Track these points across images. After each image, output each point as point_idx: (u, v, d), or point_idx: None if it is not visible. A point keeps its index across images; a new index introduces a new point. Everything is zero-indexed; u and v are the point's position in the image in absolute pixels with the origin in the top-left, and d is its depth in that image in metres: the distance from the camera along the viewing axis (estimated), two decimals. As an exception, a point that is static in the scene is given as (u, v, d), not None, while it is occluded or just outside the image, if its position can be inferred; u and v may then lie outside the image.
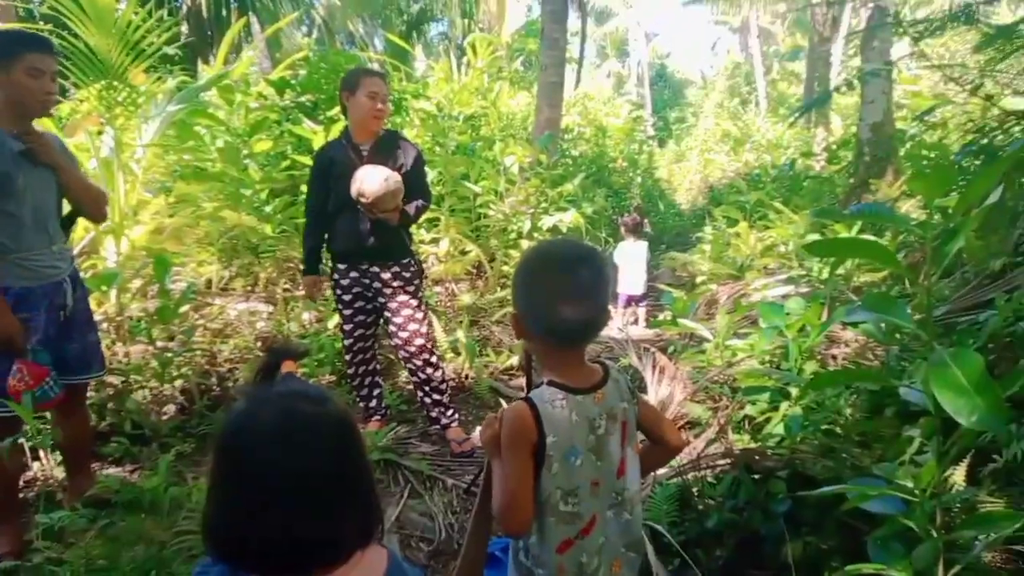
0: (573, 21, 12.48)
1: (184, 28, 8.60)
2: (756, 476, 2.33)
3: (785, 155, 12.05)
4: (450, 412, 3.47)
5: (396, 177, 3.08)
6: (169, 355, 3.54)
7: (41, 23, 6.63)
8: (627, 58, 36.01)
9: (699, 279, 6.34)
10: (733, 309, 4.07)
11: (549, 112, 7.96)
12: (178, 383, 3.57)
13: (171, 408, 3.48)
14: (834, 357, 3.36)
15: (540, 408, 1.30)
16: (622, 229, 6.46)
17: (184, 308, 3.90)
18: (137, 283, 4.16)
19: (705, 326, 3.79)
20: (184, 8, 9.28)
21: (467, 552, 1.52)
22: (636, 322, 6.10)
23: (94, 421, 3.06)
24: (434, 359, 3.40)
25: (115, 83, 4.45)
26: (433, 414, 3.45)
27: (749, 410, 2.97)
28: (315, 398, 0.95)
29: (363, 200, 3.05)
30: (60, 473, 2.84)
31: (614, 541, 1.41)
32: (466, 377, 4.40)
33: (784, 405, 2.73)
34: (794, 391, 2.75)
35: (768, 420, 2.80)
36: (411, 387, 3.65)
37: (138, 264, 4.16)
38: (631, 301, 6.17)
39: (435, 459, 3.28)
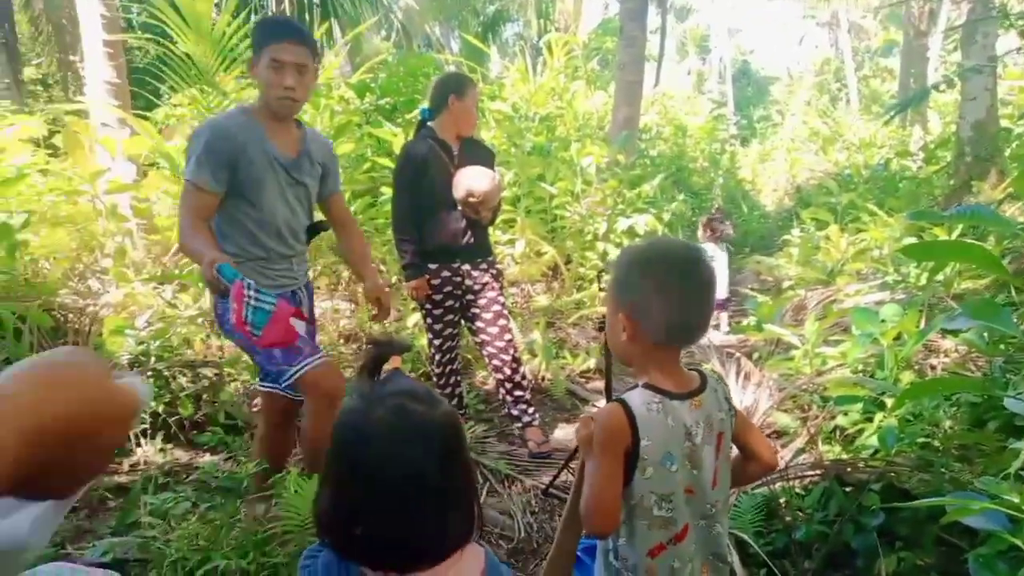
0: (652, 18, 12.32)
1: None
2: (848, 488, 2.24)
3: (879, 155, 11.50)
4: (531, 411, 3.47)
5: (496, 175, 3.20)
6: (259, 350, 3.69)
7: (140, 31, 7.06)
8: (709, 55, 35.21)
9: (785, 284, 6.13)
10: (823, 315, 3.91)
11: (627, 111, 7.87)
12: (267, 377, 3.71)
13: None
14: (932, 367, 3.19)
15: (635, 411, 1.28)
16: (701, 232, 6.32)
17: (274, 305, 4.04)
18: (230, 280, 4.34)
19: (792, 332, 3.66)
20: (270, 14, 9.65)
21: (557, 550, 1.51)
22: (718, 327, 5.95)
23: (190, 411, 3.22)
24: (519, 356, 3.44)
25: (207, 88, 4.68)
26: (515, 412, 3.46)
27: (840, 420, 2.85)
28: (425, 398, 0.98)
29: (472, 199, 3.12)
30: (161, 458, 3.00)
31: (704, 551, 1.38)
32: (542, 379, 4.40)
33: (878, 416, 2.61)
34: (889, 401, 2.62)
35: (861, 431, 2.68)
36: (488, 386, 3.68)
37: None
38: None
39: (513, 458, 3.29)
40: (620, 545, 1.36)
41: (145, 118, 5.03)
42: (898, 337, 2.96)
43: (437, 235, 3.27)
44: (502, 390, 3.47)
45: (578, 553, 1.83)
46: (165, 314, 3.78)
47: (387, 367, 1.11)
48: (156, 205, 4.92)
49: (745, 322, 4.82)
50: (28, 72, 10.57)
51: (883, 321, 3.02)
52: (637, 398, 1.30)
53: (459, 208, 3.23)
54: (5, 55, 8.61)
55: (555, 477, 2.97)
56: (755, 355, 4.23)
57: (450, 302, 3.36)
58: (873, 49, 26.97)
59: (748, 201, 12.62)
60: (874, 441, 2.51)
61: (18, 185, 4.06)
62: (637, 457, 1.28)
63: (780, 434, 3.08)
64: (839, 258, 5.90)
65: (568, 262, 6.06)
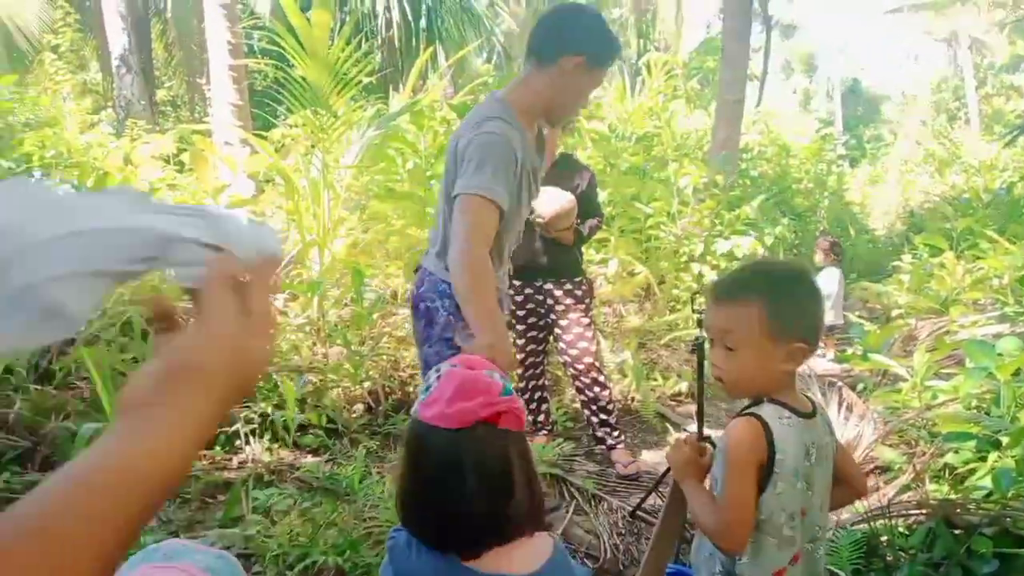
0: (756, 36, 12.05)
1: (378, 58, 9.39)
2: (956, 531, 2.12)
3: (1001, 178, 10.75)
4: (616, 433, 3.46)
5: (570, 198, 3.19)
6: (360, 358, 3.86)
7: (260, 56, 7.57)
8: (815, 73, 33.99)
9: (894, 312, 5.82)
10: (934, 347, 3.70)
11: (727, 131, 7.72)
12: (367, 384, 3.87)
13: (359, 407, 3.78)
14: (1057, 406, 2.96)
15: (772, 425, 1.28)
16: (820, 255, 6.11)
17: (375, 316, 4.23)
18: (335, 292, 4.57)
19: (901, 364, 3.49)
20: (380, 39, 10.11)
21: (645, 572, 1.51)
22: (823, 355, 5.71)
23: (296, 414, 3.40)
24: (602, 378, 3.43)
25: (320, 111, 4.97)
26: (599, 434, 3.47)
27: (950, 458, 2.69)
28: None
29: (539, 220, 3.17)
30: (267, 457, 3.18)
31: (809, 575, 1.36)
32: (632, 400, 4.37)
33: (992, 456, 2.45)
34: (1005, 440, 2.46)
35: (973, 471, 2.52)
36: (578, 405, 3.70)
37: (337, 275, 4.57)
38: None
39: (600, 479, 3.29)
40: (742, 564, 1.32)
41: (263, 138, 5.38)
42: (1016, 372, 2.77)
43: (520, 254, 3.31)
44: (587, 411, 3.49)
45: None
46: (276, 321, 4.01)
47: None
48: (271, 219, 5.25)
49: (850, 351, 4.62)
50: (160, 94, 11.52)
51: (1000, 355, 2.83)
52: (770, 412, 1.29)
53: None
54: (142, 79, 9.44)
55: (643, 500, 2.95)
56: (859, 386, 4.04)
57: (533, 319, 3.42)
58: (997, 65, 25.26)
59: (856, 224, 12.05)
60: (987, 482, 2.36)
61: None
62: (771, 472, 1.27)
63: (884, 470, 2.94)
64: (954, 287, 5.55)
65: (661, 283, 5.99)
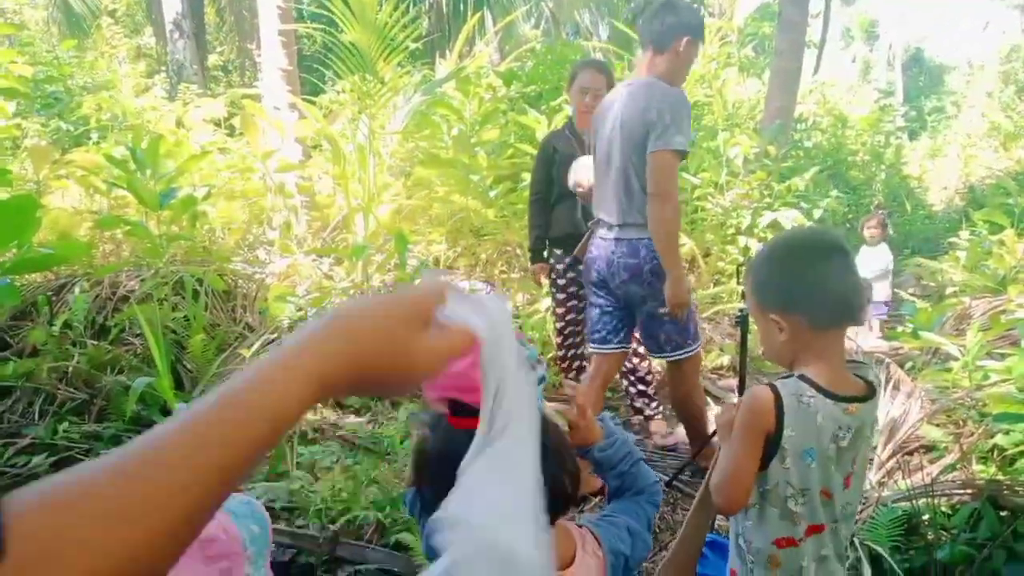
0: (815, 2, 11.61)
1: (425, 23, 9.35)
2: (1002, 512, 2.07)
3: (1071, 152, 10.23)
4: (654, 404, 3.46)
5: None
6: (402, 323, 3.92)
7: (309, 21, 7.61)
8: (876, 41, 32.63)
9: (949, 290, 5.63)
10: (988, 326, 3.58)
11: (781, 100, 7.50)
12: (408, 349, 3.93)
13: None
14: (1117, 390, 2.84)
15: (784, 399, 1.27)
16: (871, 230, 5.93)
17: (416, 282, 4.28)
18: (379, 257, 4.63)
19: (952, 342, 3.39)
20: (427, 3, 10.05)
21: (683, 540, 1.53)
22: (870, 330, 5.58)
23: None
24: (641, 349, 3.41)
25: (368, 76, 4.99)
26: (637, 404, 3.46)
27: (999, 440, 2.62)
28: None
29: (579, 189, 3.15)
30: (311, 415, 3.27)
31: (833, 554, 1.35)
32: (673, 371, 4.34)
33: (1046, 439, 2.38)
34: (1061, 424, 2.38)
35: (1022, 453, 2.46)
36: (616, 375, 3.69)
37: (381, 240, 4.63)
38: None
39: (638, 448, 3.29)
40: (747, 527, 1.36)
41: (312, 103, 5.44)
42: (1077, 355, 2.67)
43: (561, 224, 3.35)
44: (625, 381, 3.48)
45: (705, 549, 1.84)
46: (322, 284, 4.10)
47: None
48: (318, 184, 5.32)
49: (900, 328, 4.50)
50: (212, 59, 11.69)
51: (1060, 336, 2.73)
52: (790, 387, 1.29)
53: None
54: (194, 43, 9.59)
55: (681, 470, 2.96)
56: (908, 364, 3.94)
57: (574, 288, 3.41)
58: (1076, 33, 23.84)
59: (913, 199, 11.63)
60: (1038, 465, 2.29)
61: (201, 161, 4.54)
62: (778, 445, 1.27)
63: (928, 449, 2.87)
64: (1013, 265, 5.34)
65: (707, 255, 5.91)
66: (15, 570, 0.34)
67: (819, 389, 1.28)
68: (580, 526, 1.10)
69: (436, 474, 0.95)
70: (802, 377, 1.29)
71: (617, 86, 2.85)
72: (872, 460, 2.93)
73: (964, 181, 12.51)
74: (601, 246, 2.70)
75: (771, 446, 1.28)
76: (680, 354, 2.71)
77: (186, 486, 0.40)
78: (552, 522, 1.00)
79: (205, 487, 0.41)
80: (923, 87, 27.89)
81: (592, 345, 2.88)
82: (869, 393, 1.33)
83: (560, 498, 0.99)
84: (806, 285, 1.30)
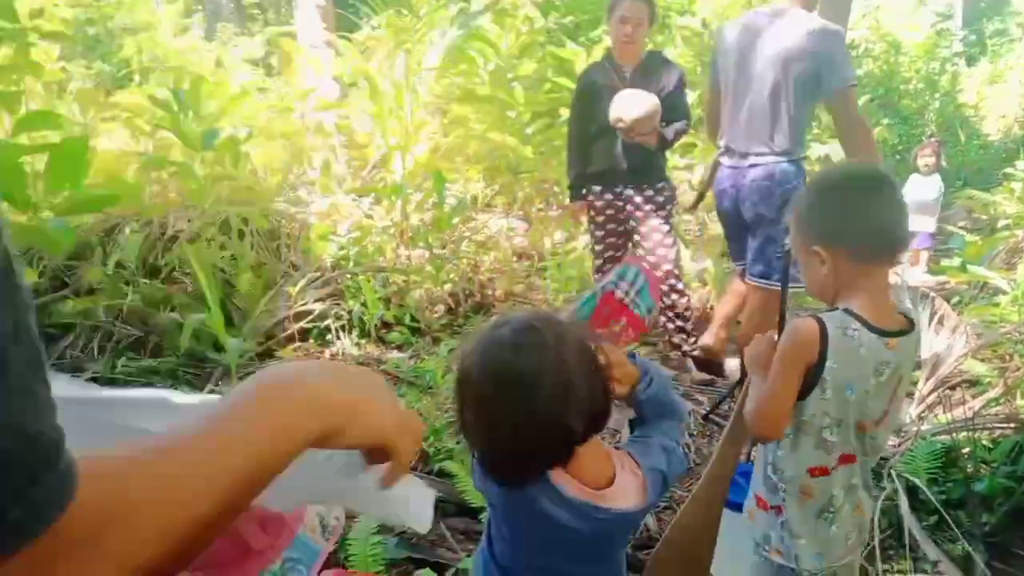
0: (871, -81, 10.92)
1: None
2: (1045, 447, 2.06)
3: None
4: (692, 340, 3.47)
5: (653, 100, 3.08)
6: (441, 261, 3.97)
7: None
8: (936, -41, 30.61)
9: (1001, 223, 5.45)
10: (1042, 259, 3.48)
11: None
12: (447, 287, 4.00)
13: (440, 308, 3.92)
14: None
15: (829, 331, 1.27)
16: (925, 160, 5.72)
17: (455, 221, 4.31)
18: (417, 196, 4.65)
19: (1002, 276, 3.31)
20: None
21: (716, 465, 1.57)
22: (916, 264, 5.45)
23: (382, 312, 3.56)
24: (680, 285, 3.42)
25: (404, 10, 4.90)
26: (675, 340, 3.48)
27: (1047, 374, 2.59)
28: (509, 320, 1.01)
29: (620, 124, 3.09)
30: (356, 351, 3.38)
31: (861, 484, 1.38)
32: (711, 308, 4.33)
33: (1095, 373, 2.34)
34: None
35: (1071, 388, 2.42)
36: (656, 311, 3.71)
37: (419, 179, 4.64)
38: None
39: (675, 383, 3.33)
40: (779, 456, 1.38)
41: (347, 39, 5.39)
42: None
43: (600, 159, 3.31)
44: (663, 317, 3.49)
45: (737, 476, 1.88)
46: (362, 224, 4.15)
47: None
48: (356, 122, 5.32)
49: (947, 262, 4.40)
50: (247, -3, 11.58)
51: (1116, 269, 2.64)
52: (836, 320, 1.29)
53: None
54: (229, -19, 9.52)
55: (718, 404, 2.99)
56: (954, 299, 3.87)
57: (612, 225, 3.40)
58: None
59: (968, 128, 11.13)
60: (1085, 400, 2.27)
61: (242, 102, 4.57)
62: (819, 376, 1.28)
63: (972, 383, 2.85)
64: (1073, 196, 5.13)
65: (700, 200, 5.77)
66: (81, 525, 0.38)
67: (863, 323, 1.28)
68: (617, 448, 1.13)
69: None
70: (847, 311, 1.30)
71: (751, 15, 2.89)
72: (912, 395, 2.92)
73: (1025, 108, 11.89)
74: (732, 175, 2.87)
75: (812, 377, 1.29)
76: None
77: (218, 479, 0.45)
78: (587, 439, 1.01)
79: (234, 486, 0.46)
80: (985, 9, 26.19)
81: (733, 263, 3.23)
82: (909, 327, 1.33)
83: (598, 417, 1.00)
84: (849, 217, 1.29)
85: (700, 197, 3.52)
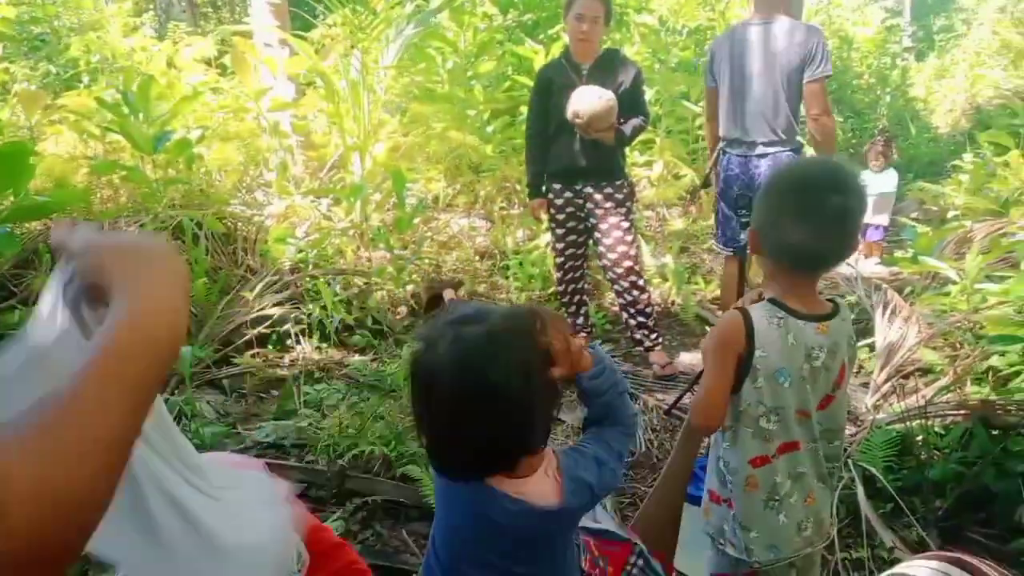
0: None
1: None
2: (994, 431, 2.12)
3: (1083, 70, 9.97)
4: (654, 336, 3.50)
5: (609, 96, 3.09)
6: (403, 262, 3.94)
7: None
8: (885, -43, 31.34)
9: (950, 214, 5.60)
10: (989, 249, 3.58)
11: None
12: (409, 288, 3.96)
13: (403, 309, 3.89)
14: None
15: (755, 321, 1.31)
16: (874, 156, 5.84)
17: (416, 221, 4.27)
18: (377, 196, 4.61)
19: (952, 266, 3.39)
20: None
21: (673, 462, 1.58)
22: (870, 256, 5.57)
23: (342, 315, 3.51)
24: (641, 282, 3.43)
25: (359, 8, 4.84)
26: (637, 336, 3.50)
27: (994, 361, 2.66)
28: (476, 318, 1.02)
29: (577, 120, 3.10)
30: (316, 355, 3.33)
31: (811, 473, 1.41)
32: (672, 303, 4.38)
33: (1039, 359, 2.42)
34: (1055, 344, 2.41)
35: (1017, 373, 2.50)
36: (617, 308, 3.73)
37: (378, 179, 4.60)
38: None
39: (637, 379, 3.35)
40: (724, 449, 1.42)
41: (303, 38, 5.31)
42: (1075, 276, 2.68)
43: (558, 156, 3.31)
44: (625, 314, 3.51)
45: (697, 470, 1.89)
46: (321, 225, 4.09)
47: (447, 299, 1.20)
48: (313, 123, 5.24)
49: (899, 253, 4.50)
50: (199, -4, 11.33)
51: (1058, 258, 2.73)
52: (759, 311, 1.32)
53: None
54: (180, -20, 9.30)
55: (679, 398, 3.00)
56: (907, 289, 3.96)
57: (572, 223, 3.40)
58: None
59: (918, 122, 11.42)
60: (1031, 385, 2.34)
61: (194, 102, 4.47)
62: (750, 366, 1.31)
63: (925, 372, 2.92)
64: (1017, 187, 5.29)
65: (708, 185, 5.84)
66: None
67: (789, 311, 1.31)
68: (553, 450, 1.13)
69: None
70: (772, 300, 1.33)
71: (742, 23, 3.30)
72: (868, 384, 2.98)
73: (971, 102, 12.26)
74: (740, 163, 3.24)
75: (743, 367, 1.32)
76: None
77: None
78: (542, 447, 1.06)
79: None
80: (932, 5, 26.93)
81: (722, 246, 3.49)
82: (835, 311, 1.37)
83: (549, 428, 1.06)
84: (787, 226, 1.28)
85: (705, 183, 3.92)
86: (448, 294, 1.26)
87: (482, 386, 0.96)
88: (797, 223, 1.27)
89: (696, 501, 1.60)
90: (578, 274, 3.57)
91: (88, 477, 0.46)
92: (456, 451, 1.02)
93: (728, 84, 3.23)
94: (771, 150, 3.15)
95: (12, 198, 2.87)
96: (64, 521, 0.45)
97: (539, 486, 1.06)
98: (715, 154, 3.43)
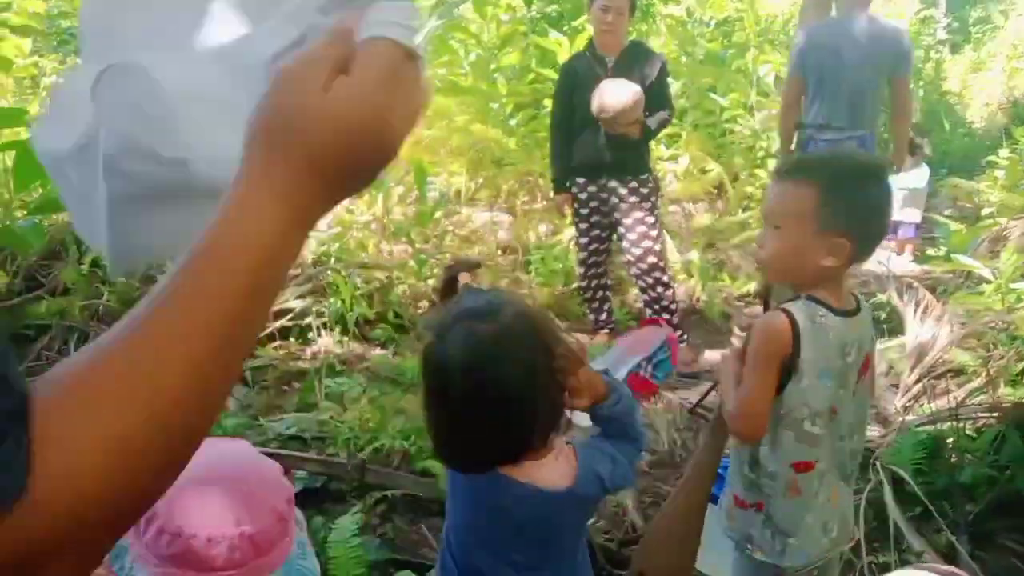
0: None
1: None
2: (1029, 436, 2.06)
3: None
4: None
5: (636, 90, 3.05)
6: (424, 256, 3.93)
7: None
8: (919, -53, 30.71)
9: (985, 211, 5.47)
10: (1025, 247, 3.49)
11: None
12: (431, 282, 3.95)
13: (424, 304, 3.88)
14: None
15: (799, 322, 1.26)
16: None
17: (438, 215, 4.26)
18: (399, 190, 4.60)
19: (986, 265, 3.31)
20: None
21: (697, 464, 1.54)
22: (902, 253, 5.46)
23: (364, 309, 3.51)
24: (665, 278, 3.39)
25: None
26: (661, 332, 3.46)
27: (1030, 363, 2.59)
28: (488, 313, 1.03)
29: (604, 115, 3.06)
30: (338, 349, 3.34)
31: (838, 471, 1.37)
32: (697, 300, 4.32)
33: (1078, 361, 2.34)
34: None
35: (1054, 376, 2.42)
36: (641, 304, 3.69)
37: (400, 172, 4.59)
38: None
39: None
40: (762, 454, 1.35)
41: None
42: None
43: (583, 151, 3.27)
44: (649, 310, 3.48)
45: (720, 471, 1.85)
46: (343, 219, 4.10)
47: (462, 284, 1.20)
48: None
49: (932, 251, 4.40)
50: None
51: (1099, 256, 2.65)
52: (802, 310, 1.28)
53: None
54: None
55: (704, 396, 2.97)
56: (940, 288, 3.87)
57: (596, 218, 3.37)
58: None
59: (952, 116, 11.17)
60: (1068, 388, 2.26)
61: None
62: (794, 368, 1.27)
63: (957, 373, 2.85)
64: (1056, 184, 5.15)
65: (735, 180, 5.77)
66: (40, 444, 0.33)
67: (829, 308, 1.28)
68: (568, 443, 1.15)
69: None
70: (811, 298, 1.29)
71: (834, 21, 3.67)
72: (898, 385, 2.92)
73: (1008, 96, 11.95)
74: (829, 146, 3.40)
75: (787, 370, 1.28)
76: None
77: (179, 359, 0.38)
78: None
79: (204, 353, 0.39)
80: (969, -4, 26.31)
81: None
82: (859, 305, 1.36)
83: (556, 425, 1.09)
84: (874, 220, 1.32)
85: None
86: (464, 278, 1.25)
87: (491, 386, 1.00)
88: (883, 215, 1.34)
89: (715, 501, 1.57)
90: (601, 269, 3.54)
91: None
92: (462, 445, 1.06)
93: (822, 74, 3.43)
94: (856, 134, 3.40)
95: (40, 190, 2.91)
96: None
97: (551, 472, 1.08)
98: (798, 140, 3.66)
